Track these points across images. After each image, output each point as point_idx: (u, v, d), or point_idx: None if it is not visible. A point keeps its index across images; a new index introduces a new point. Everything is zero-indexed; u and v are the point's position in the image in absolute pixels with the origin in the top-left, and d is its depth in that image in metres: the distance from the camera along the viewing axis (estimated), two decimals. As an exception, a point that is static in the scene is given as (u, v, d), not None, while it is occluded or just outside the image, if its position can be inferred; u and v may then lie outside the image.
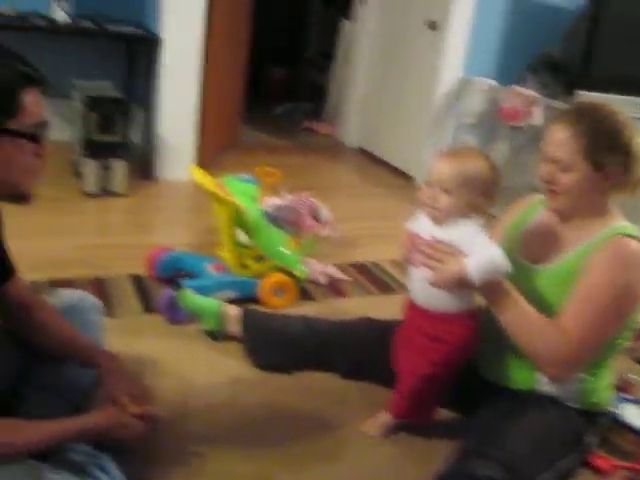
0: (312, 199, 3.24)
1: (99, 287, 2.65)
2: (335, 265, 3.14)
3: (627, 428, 2.13)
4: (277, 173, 2.96)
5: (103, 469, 1.44)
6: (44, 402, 1.65)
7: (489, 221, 1.80)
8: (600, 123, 1.70)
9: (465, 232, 1.70)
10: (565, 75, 4.34)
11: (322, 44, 7.41)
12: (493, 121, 4.27)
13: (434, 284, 1.72)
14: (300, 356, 2.27)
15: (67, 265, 2.84)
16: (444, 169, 1.72)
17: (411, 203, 4.20)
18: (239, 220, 2.61)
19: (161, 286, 2.68)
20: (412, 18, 4.84)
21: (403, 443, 1.99)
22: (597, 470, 1.93)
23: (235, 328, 2.35)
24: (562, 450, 1.77)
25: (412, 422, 2.00)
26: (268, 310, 2.57)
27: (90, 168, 3.64)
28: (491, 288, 1.70)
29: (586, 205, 1.76)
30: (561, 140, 1.71)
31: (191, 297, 2.39)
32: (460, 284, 1.69)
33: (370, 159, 5.35)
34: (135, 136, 4.49)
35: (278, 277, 2.68)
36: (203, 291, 2.48)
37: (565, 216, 1.80)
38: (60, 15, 3.86)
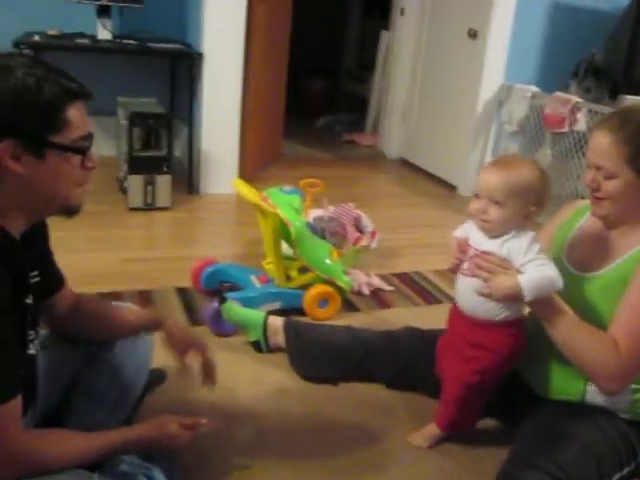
0: (355, 210, 3.24)
1: (145, 300, 2.68)
2: (379, 275, 3.13)
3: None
4: (320, 183, 2.96)
5: (152, 479, 1.45)
6: (93, 414, 1.67)
7: (535, 228, 1.78)
8: None
9: (518, 245, 1.68)
10: (608, 80, 4.28)
11: (361, 55, 7.44)
12: (536, 128, 4.24)
13: (485, 296, 1.70)
14: (345, 367, 2.27)
15: (114, 278, 2.89)
16: (491, 180, 1.69)
17: (454, 212, 4.19)
18: (283, 232, 2.62)
19: (206, 298, 2.70)
20: (452, 27, 4.83)
21: (450, 454, 1.97)
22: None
23: (280, 339, 2.35)
24: (613, 461, 1.73)
25: (458, 432, 1.98)
26: (311, 321, 2.57)
27: (135, 183, 3.70)
28: (542, 303, 1.68)
29: (632, 211, 1.73)
30: (603, 147, 1.68)
31: (235, 309, 2.40)
32: (512, 299, 1.67)
33: (412, 169, 5.34)
34: (179, 151, 4.55)
35: (322, 288, 2.68)
36: (248, 303, 2.50)
37: (611, 223, 1.77)
38: (104, 34, 3.95)
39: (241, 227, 3.74)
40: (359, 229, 3.19)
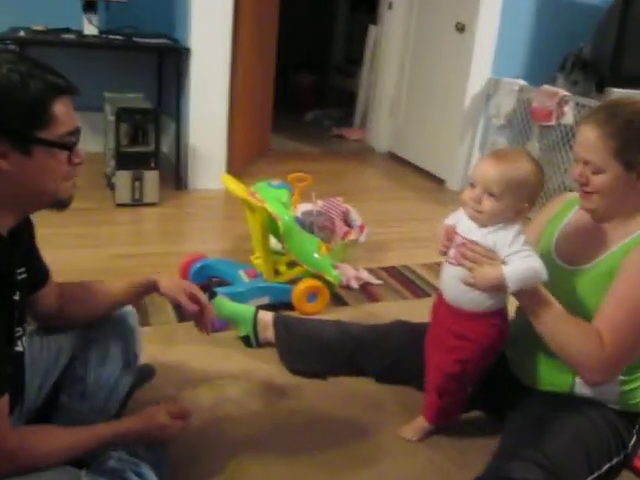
0: (343, 204, 3.24)
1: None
2: (367, 269, 3.14)
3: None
4: (308, 178, 2.96)
5: (141, 475, 1.45)
6: (81, 411, 1.67)
7: (524, 223, 1.78)
8: (630, 122, 1.65)
9: (504, 236, 1.67)
10: (595, 73, 4.30)
11: (349, 50, 7.44)
12: (523, 121, 4.25)
13: (469, 285, 1.70)
14: (335, 361, 2.27)
15: (102, 274, 2.87)
16: (490, 171, 1.67)
17: (442, 206, 4.20)
18: (271, 226, 2.62)
19: (195, 294, 2.70)
20: (439, 21, 4.83)
21: (440, 447, 1.98)
22: (638, 472, 1.90)
23: (270, 334, 2.36)
24: (602, 452, 1.74)
25: (445, 423, 1.99)
26: (300, 315, 2.58)
27: (122, 179, 3.68)
28: (527, 295, 1.68)
29: (621, 205, 1.72)
30: (591, 141, 1.67)
31: (225, 304, 2.40)
32: (496, 289, 1.67)
33: (400, 163, 5.35)
34: (166, 146, 4.54)
35: (311, 282, 2.68)
36: (237, 298, 2.49)
37: (600, 216, 1.77)
38: (90, 29, 3.93)
39: (229, 222, 3.73)
40: (347, 223, 3.19)
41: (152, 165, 3.72)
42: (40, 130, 1.28)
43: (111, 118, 3.72)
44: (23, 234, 1.46)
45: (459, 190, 3.94)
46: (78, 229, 3.29)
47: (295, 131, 6.05)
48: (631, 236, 1.71)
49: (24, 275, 1.44)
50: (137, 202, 3.74)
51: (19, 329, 1.42)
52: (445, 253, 1.79)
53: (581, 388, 1.79)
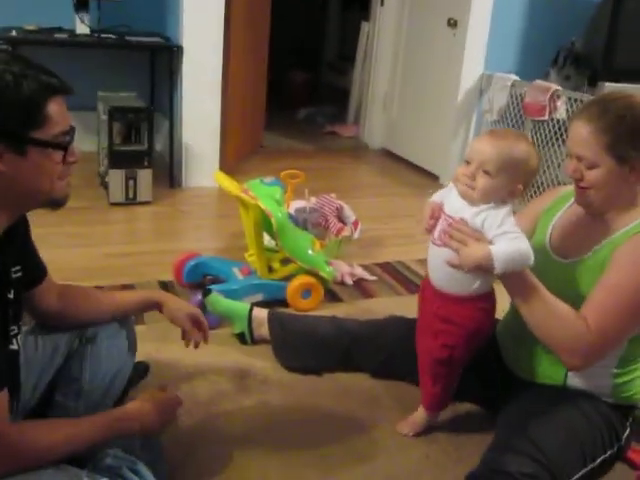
0: (337, 200, 3.24)
1: (128, 294, 2.67)
2: (361, 265, 3.14)
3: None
4: (301, 174, 2.96)
5: (138, 473, 1.45)
6: (77, 409, 1.67)
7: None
8: (622, 117, 1.65)
9: (493, 216, 1.63)
10: (588, 67, 4.30)
11: (342, 47, 7.45)
12: (516, 116, 4.25)
13: (453, 265, 1.67)
14: (330, 357, 2.28)
15: (97, 273, 2.88)
16: (486, 149, 1.63)
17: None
18: (265, 223, 2.62)
19: (190, 291, 2.70)
20: (431, 17, 4.83)
21: (436, 442, 1.99)
22: (632, 464, 1.91)
23: (264, 331, 2.36)
24: (596, 445, 1.74)
25: (441, 410, 1.99)
26: (294, 312, 2.58)
27: (116, 178, 3.68)
28: (514, 277, 1.65)
29: (615, 199, 1.73)
30: (583, 137, 1.67)
31: (220, 301, 2.40)
32: (481, 269, 1.64)
33: (394, 159, 5.35)
34: (160, 145, 4.54)
35: (305, 279, 2.69)
36: (231, 295, 2.50)
37: (595, 210, 1.77)
38: (82, 29, 3.92)
39: (223, 220, 3.73)
40: (341, 220, 3.20)
41: (145, 164, 3.72)
42: (34, 130, 1.28)
43: (104, 117, 3.72)
44: (18, 232, 1.46)
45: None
46: (72, 228, 3.28)
47: (288, 128, 6.04)
48: (624, 229, 1.71)
49: (19, 274, 1.44)
50: (131, 201, 3.74)
51: (14, 327, 1.42)
52: (430, 231, 1.77)
53: (574, 380, 1.80)
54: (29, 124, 1.27)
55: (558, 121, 3.93)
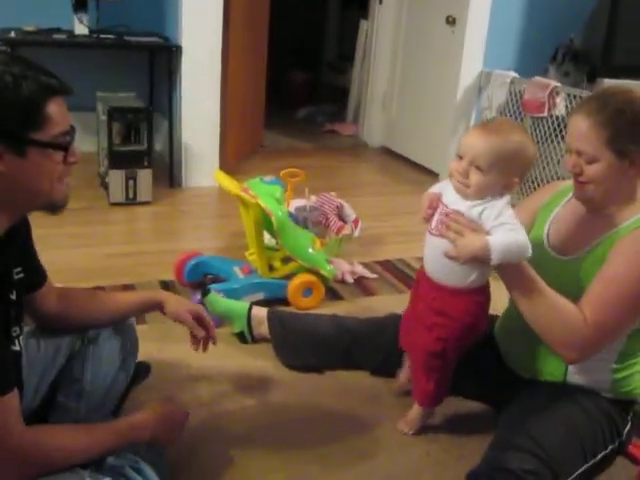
0: (337, 199, 3.25)
1: (129, 294, 2.68)
2: (362, 264, 3.14)
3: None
4: (301, 173, 2.96)
5: (141, 472, 1.46)
6: (78, 409, 1.67)
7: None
8: (621, 111, 1.65)
9: (491, 208, 1.62)
10: (587, 64, 4.31)
11: (341, 46, 7.44)
12: (516, 113, 4.25)
13: (449, 256, 1.66)
14: (331, 355, 2.28)
15: (97, 274, 2.88)
16: (477, 144, 1.61)
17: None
18: (265, 222, 2.63)
19: (190, 291, 2.71)
20: (429, 14, 4.83)
21: (437, 439, 1.99)
22: (633, 459, 1.91)
23: (264, 330, 2.36)
24: (597, 440, 1.74)
25: (436, 405, 1.98)
26: (294, 310, 2.58)
27: (116, 178, 3.68)
28: (511, 270, 1.65)
29: (614, 194, 1.72)
30: (582, 131, 1.66)
31: (219, 300, 2.41)
32: (478, 260, 1.63)
33: (393, 157, 5.35)
34: (159, 145, 4.54)
35: (306, 277, 2.69)
36: (232, 294, 2.50)
37: (594, 206, 1.76)
38: (81, 29, 3.92)
39: (223, 219, 3.73)
40: (341, 218, 3.20)
41: (145, 164, 3.72)
42: (34, 131, 1.28)
43: (103, 117, 3.72)
44: (19, 233, 1.46)
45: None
46: (72, 229, 3.28)
47: (288, 127, 6.04)
48: (623, 224, 1.71)
49: (21, 275, 1.44)
50: (131, 201, 3.75)
51: (16, 328, 1.42)
52: (428, 220, 1.76)
53: (574, 376, 1.80)
54: (29, 125, 1.27)
55: (557, 117, 3.92)
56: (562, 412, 1.74)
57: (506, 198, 1.65)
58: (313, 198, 3.16)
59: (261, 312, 2.39)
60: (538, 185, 3.98)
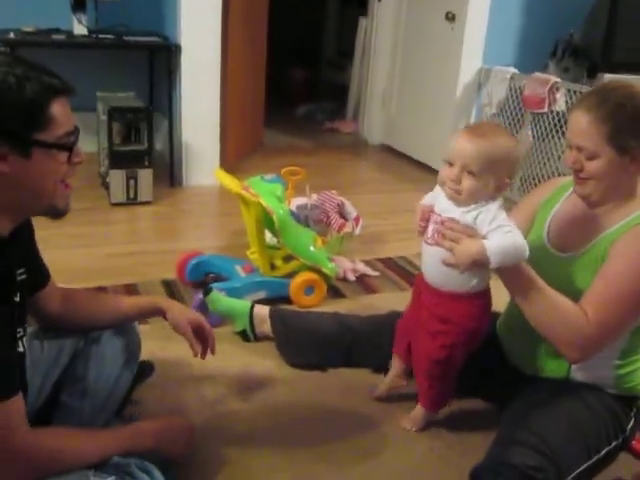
0: (338, 197, 3.24)
1: (131, 294, 2.68)
2: (364, 261, 3.14)
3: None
4: (302, 171, 2.96)
5: (147, 472, 1.46)
6: (82, 409, 1.67)
7: (510, 207, 1.75)
8: (622, 106, 1.64)
9: (484, 213, 1.62)
10: (586, 59, 4.30)
11: (341, 43, 7.43)
12: (516, 109, 4.25)
13: (448, 264, 1.67)
14: (333, 353, 2.28)
15: (99, 274, 2.88)
16: (467, 148, 1.62)
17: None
18: (266, 220, 2.62)
19: (192, 290, 2.71)
20: (429, 11, 4.83)
21: (440, 436, 1.99)
22: (637, 454, 1.91)
23: (266, 328, 2.36)
24: (600, 436, 1.74)
25: (442, 408, 1.99)
26: (296, 309, 2.58)
27: (116, 178, 3.68)
28: (510, 271, 1.65)
29: (615, 190, 1.72)
30: (583, 127, 1.66)
31: (221, 299, 2.41)
32: (476, 265, 1.63)
33: (393, 155, 5.35)
34: (159, 144, 4.54)
35: (308, 276, 2.69)
36: (234, 293, 2.50)
37: (595, 202, 1.75)
38: (80, 29, 3.92)
39: (224, 218, 3.73)
40: (343, 216, 3.20)
41: (146, 163, 3.72)
42: (38, 132, 1.28)
43: (103, 117, 3.72)
44: (22, 235, 1.46)
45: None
46: (73, 229, 3.28)
47: (288, 125, 6.04)
48: (623, 220, 1.70)
49: (24, 276, 1.44)
50: (132, 201, 3.75)
51: (20, 330, 1.42)
52: (422, 233, 1.77)
53: (576, 373, 1.80)
54: (33, 126, 1.28)
55: (558, 113, 3.93)
56: (566, 408, 1.74)
57: (499, 201, 1.66)
58: (314, 196, 3.16)
59: (263, 310, 2.39)
60: (539, 181, 3.98)
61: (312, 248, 2.69)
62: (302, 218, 2.94)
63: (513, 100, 4.27)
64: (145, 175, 3.74)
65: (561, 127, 3.86)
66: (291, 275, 2.71)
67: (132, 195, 3.73)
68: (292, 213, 2.80)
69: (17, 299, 1.39)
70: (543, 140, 4.04)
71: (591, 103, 1.67)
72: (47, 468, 1.34)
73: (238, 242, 3.21)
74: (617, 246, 1.67)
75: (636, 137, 1.64)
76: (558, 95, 3.89)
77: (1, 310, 1.28)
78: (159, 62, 4.35)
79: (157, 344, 2.27)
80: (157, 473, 1.47)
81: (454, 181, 1.65)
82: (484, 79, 4.52)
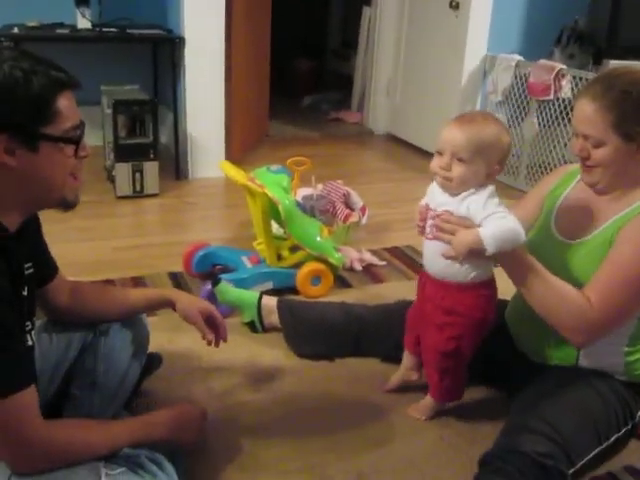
0: (344, 187, 3.24)
1: (139, 286, 2.68)
2: (370, 251, 3.14)
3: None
4: (307, 161, 2.96)
5: (156, 463, 1.46)
6: (92, 401, 1.68)
7: (518, 196, 1.76)
8: (627, 93, 1.64)
9: (476, 200, 1.64)
10: (592, 45, 4.28)
11: (345, 33, 7.40)
12: (521, 97, 4.23)
13: (448, 257, 1.68)
14: (340, 343, 2.28)
15: (106, 267, 2.89)
16: (457, 136, 1.64)
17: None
18: (272, 211, 2.62)
19: (199, 282, 2.71)
20: (433, -1, 4.81)
21: (450, 424, 1.99)
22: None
23: (274, 319, 2.36)
24: (610, 422, 1.75)
25: (453, 400, 1.99)
26: (304, 299, 2.58)
27: (122, 171, 3.69)
28: (508, 257, 1.65)
29: (622, 177, 1.72)
30: (588, 115, 1.66)
31: (229, 290, 2.41)
32: (474, 254, 1.64)
33: (399, 144, 5.34)
34: (165, 137, 4.54)
35: (314, 266, 2.69)
36: (241, 284, 2.50)
37: (602, 190, 1.76)
38: (84, 23, 3.92)
39: (231, 210, 3.74)
40: (349, 206, 3.20)
41: (151, 156, 3.73)
42: (45, 126, 1.29)
43: (108, 111, 3.72)
44: (29, 229, 1.47)
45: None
46: (80, 223, 3.29)
47: (293, 116, 6.03)
48: (630, 207, 1.71)
49: (31, 270, 1.45)
50: (138, 194, 3.75)
51: (28, 323, 1.43)
52: (422, 232, 1.79)
53: (585, 360, 1.80)
54: (40, 120, 1.28)
55: (564, 100, 3.91)
56: (576, 395, 1.75)
57: (490, 188, 1.67)
58: (320, 186, 3.15)
59: (271, 301, 2.39)
60: (545, 169, 3.97)
61: (318, 238, 2.69)
62: (308, 208, 2.94)
63: (518, 88, 4.25)
64: (151, 168, 3.74)
65: (567, 114, 3.85)
66: (298, 265, 2.71)
67: (138, 188, 3.74)
68: (298, 203, 2.80)
69: (25, 293, 1.39)
70: (549, 128, 4.03)
71: (596, 91, 1.66)
72: (60, 459, 1.34)
73: (244, 233, 3.21)
74: (624, 232, 1.67)
75: None
76: (564, 82, 3.87)
77: (10, 304, 1.28)
78: (163, 55, 4.35)
79: (165, 336, 2.28)
80: (167, 464, 1.48)
81: (444, 169, 1.66)
82: (489, 67, 4.50)
